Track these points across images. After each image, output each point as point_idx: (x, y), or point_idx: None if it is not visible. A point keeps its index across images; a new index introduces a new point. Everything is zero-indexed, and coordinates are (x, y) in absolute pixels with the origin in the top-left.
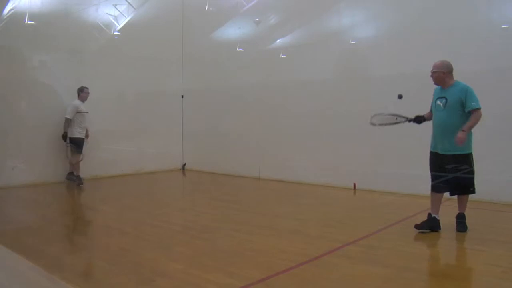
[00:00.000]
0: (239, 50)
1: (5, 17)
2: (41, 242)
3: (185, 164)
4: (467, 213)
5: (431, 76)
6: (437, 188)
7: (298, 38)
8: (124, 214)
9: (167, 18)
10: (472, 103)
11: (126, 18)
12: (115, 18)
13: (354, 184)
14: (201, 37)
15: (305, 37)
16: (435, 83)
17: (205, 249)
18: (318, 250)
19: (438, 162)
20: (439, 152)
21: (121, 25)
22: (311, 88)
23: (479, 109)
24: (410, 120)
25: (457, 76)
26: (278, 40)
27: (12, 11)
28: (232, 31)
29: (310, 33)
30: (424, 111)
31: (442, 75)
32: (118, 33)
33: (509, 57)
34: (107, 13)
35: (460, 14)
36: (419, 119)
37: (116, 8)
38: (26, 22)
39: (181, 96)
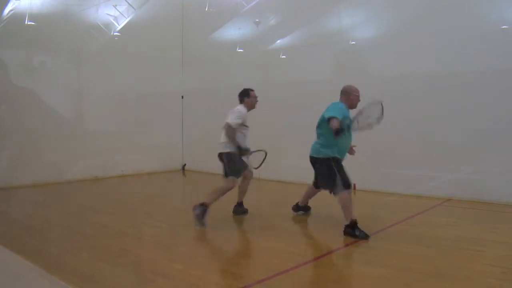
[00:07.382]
0: (239, 50)
1: (5, 17)
2: (41, 242)
3: (185, 164)
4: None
5: (357, 100)
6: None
7: (298, 39)
8: (124, 214)
9: (167, 19)
10: None
11: (126, 18)
12: (115, 18)
13: (354, 185)
14: (201, 37)
15: (305, 38)
16: (355, 107)
17: (205, 249)
18: (318, 251)
19: None
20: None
21: (121, 26)
22: (311, 89)
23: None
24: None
25: (457, 76)
26: (278, 41)
27: (12, 11)
28: (232, 31)
29: (310, 34)
30: (424, 110)
31: None
32: (118, 34)
33: (509, 57)
34: (107, 14)
35: (460, 14)
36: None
37: (116, 9)
38: (26, 23)
39: (181, 97)
